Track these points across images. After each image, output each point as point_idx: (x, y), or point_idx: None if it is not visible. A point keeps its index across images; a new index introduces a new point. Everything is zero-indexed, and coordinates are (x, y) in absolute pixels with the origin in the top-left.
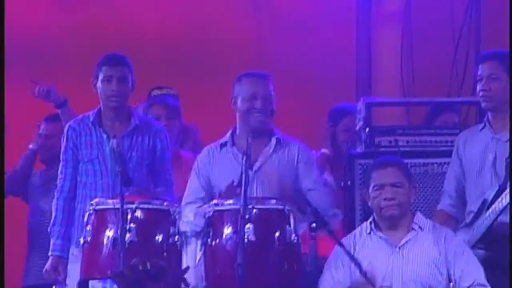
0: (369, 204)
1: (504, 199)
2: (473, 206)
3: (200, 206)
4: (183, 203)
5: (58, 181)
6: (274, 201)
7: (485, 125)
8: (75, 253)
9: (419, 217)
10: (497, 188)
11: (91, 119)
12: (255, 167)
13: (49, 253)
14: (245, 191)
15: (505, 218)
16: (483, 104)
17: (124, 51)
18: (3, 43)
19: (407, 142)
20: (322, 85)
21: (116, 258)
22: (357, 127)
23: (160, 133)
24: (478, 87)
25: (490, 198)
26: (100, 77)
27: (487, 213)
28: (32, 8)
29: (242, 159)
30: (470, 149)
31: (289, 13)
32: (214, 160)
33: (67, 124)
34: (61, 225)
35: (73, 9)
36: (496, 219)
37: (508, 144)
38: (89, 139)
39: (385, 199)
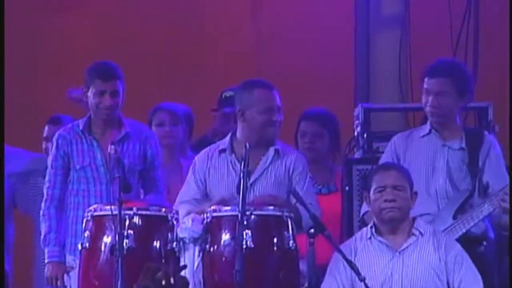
0: (370, 208)
1: (485, 206)
2: (422, 208)
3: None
4: (177, 201)
5: (46, 189)
6: (272, 207)
7: (430, 132)
8: (69, 260)
9: (419, 222)
10: (467, 193)
11: (81, 127)
12: (251, 179)
13: (46, 260)
14: (243, 197)
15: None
16: (431, 119)
17: (118, 57)
18: (3, 43)
19: None
20: (320, 90)
21: (114, 265)
22: (355, 133)
23: (150, 139)
24: (425, 99)
25: (458, 203)
26: (92, 90)
27: (463, 217)
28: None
29: (241, 165)
30: (412, 155)
31: (287, 18)
32: (211, 164)
33: (57, 133)
34: (56, 232)
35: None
36: (474, 225)
37: (460, 152)
38: (80, 147)
39: (385, 201)
